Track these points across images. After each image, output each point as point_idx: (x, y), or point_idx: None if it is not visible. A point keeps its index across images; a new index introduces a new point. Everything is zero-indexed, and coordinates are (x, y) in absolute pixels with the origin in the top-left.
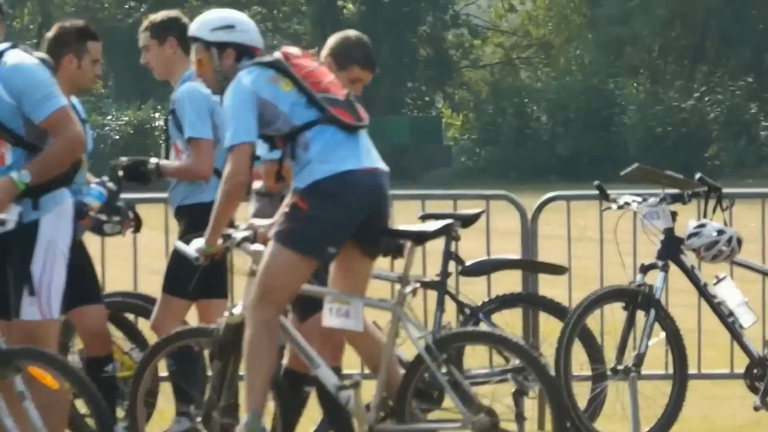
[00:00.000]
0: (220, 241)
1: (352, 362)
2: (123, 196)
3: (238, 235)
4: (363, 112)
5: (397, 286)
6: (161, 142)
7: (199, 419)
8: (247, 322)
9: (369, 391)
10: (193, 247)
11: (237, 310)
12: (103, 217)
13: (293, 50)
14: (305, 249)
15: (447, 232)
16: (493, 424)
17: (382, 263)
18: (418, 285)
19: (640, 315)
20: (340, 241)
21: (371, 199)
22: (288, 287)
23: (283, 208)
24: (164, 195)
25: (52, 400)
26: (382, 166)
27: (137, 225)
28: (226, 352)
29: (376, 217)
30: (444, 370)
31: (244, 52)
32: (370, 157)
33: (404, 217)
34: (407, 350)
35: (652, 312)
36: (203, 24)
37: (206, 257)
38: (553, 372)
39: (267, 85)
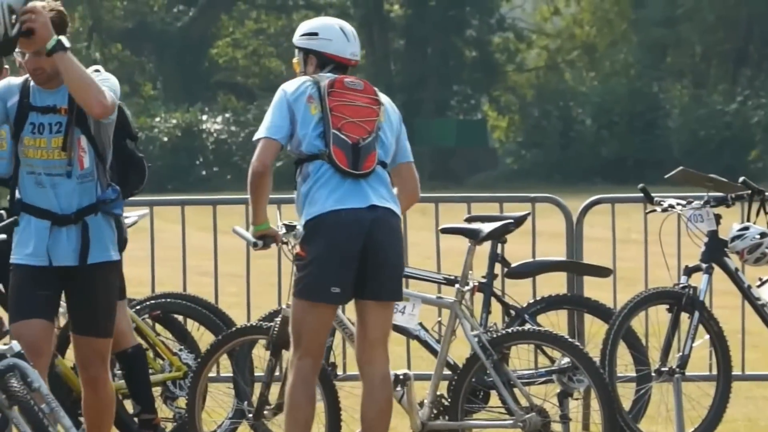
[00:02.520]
0: (282, 231)
1: (401, 362)
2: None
3: (301, 227)
4: (370, 160)
5: (446, 288)
6: (209, 144)
7: (250, 416)
8: (288, 371)
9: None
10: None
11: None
12: None
13: (348, 80)
14: (311, 296)
15: (507, 232)
16: (544, 424)
17: (427, 264)
18: (476, 284)
19: (684, 317)
20: (341, 279)
21: (360, 232)
22: (312, 332)
23: None
24: (213, 196)
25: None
26: (384, 203)
27: None
28: (278, 348)
29: (375, 252)
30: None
31: (326, 61)
32: (365, 198)
33: (450, 219)
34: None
35: (696, 314)
36: (299, 28)
37: (263, 242)
38: None
39: (303, 102)
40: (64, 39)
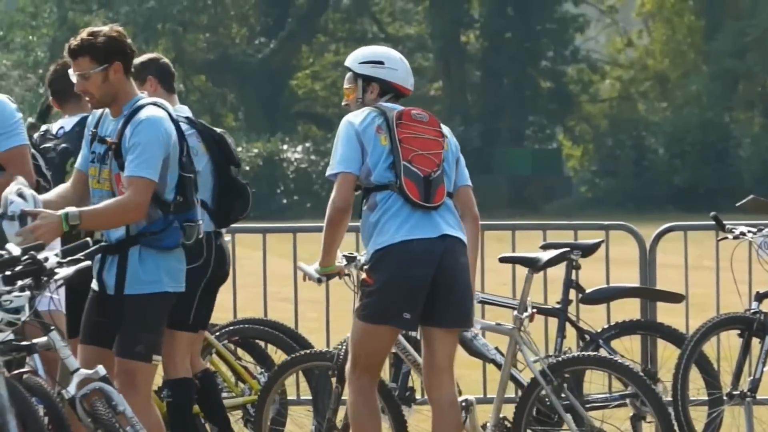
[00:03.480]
0: (342, 263)
1: (477, 386)
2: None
3: (362, 258)
4: (440, 193)
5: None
6: (289, 173)
7: None
8: (348, 388)
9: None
10: (314, 268)
11: None
12: None
13: (415, 113)
14: (378, 321)
15: (564, 260)
16: None
17: (503, 290)
18: (534, 311)
19: (755, 341)
20: (411, 306)
21: (432, 261)
22: (373, 355)
23: None
24: (293, 224)
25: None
26: (454, 232)
27: None
28: (343, 375)
29: (445, 280)
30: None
31: (388, 90)
32: (436, 228)
33: (526, 246)
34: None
35: (767, 339)
36: (355, 56)
37: (326, 277)
38: (669, 397)
39: (372, 132)
40: (70, 212)
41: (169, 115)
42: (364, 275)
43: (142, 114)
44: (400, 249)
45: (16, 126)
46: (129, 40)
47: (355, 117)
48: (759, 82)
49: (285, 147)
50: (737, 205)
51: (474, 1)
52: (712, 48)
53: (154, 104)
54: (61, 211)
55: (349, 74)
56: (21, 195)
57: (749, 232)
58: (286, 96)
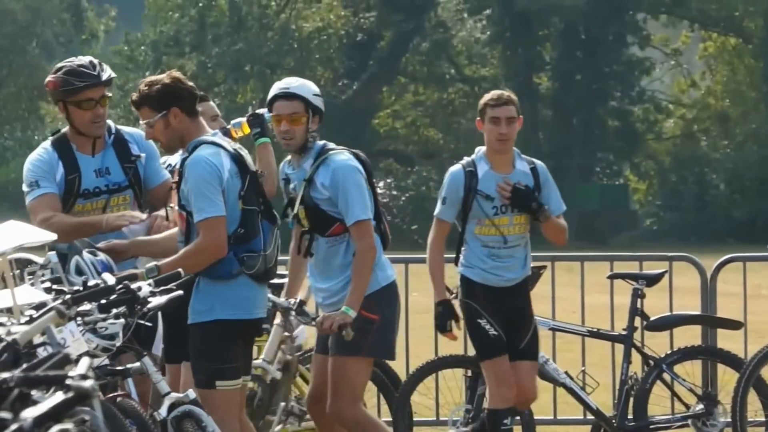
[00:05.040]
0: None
1: (548, 408)
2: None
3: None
4: None
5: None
6: None
7: None
8: (347, 425)
9: None
10: None
11: None
12: None
13: None
14: (382, 354)
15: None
16: None
17: (572, 318)
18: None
19: None
20: None
21: None
22: (365, 383)
23: None
24: (405, 255)
25: None
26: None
27: None
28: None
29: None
30: None
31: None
32: None
33: (594, 276)
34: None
35: None
36: (306, 88)
37: None
38: (729, 418)
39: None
40: (147, 267)
41: (224, 148)
42: (363, 311)
43: (191, 156)
44: (394, 285)
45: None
46: (188, 84)
47: (354, 162)
48: None
49: None
50: None
51: (547, 44)
52: None
53: (206, 142)
54: (148, 265)
55: (295, 102)
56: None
57: None
58: (368, 135)
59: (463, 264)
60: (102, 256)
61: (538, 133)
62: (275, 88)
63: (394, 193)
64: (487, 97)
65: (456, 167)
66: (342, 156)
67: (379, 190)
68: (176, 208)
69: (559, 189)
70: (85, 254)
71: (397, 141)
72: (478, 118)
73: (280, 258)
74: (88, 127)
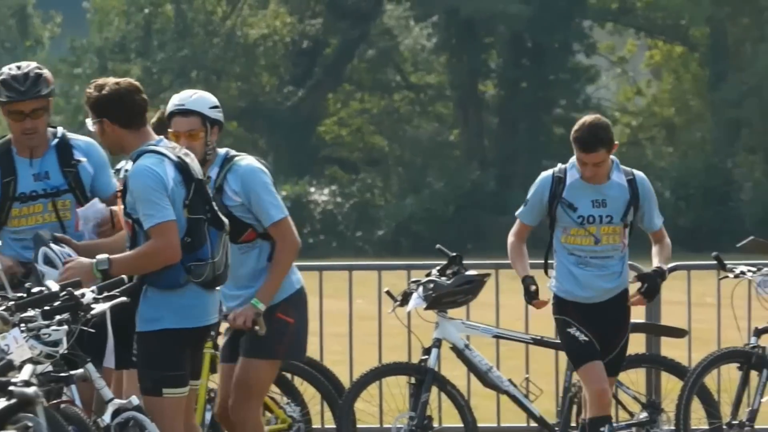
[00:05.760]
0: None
1: (492, 415)
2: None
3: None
4: None
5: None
6: (316, 214)
7: None
8: (242, 424)
9: None
10: None
11: None
12: None
13: None
14: (295, 356)
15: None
16: None
17: (516, 325)
18: None
19: (753, 374)
20: None
21: None
22: (270, 385)
23: None
24: (319, 263)
25: None
26: None
27: None
28: None
29: None
30: None
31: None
32: None
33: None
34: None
35: (765, 371)
36: (201, 101)
37: None
38: (673, 426)
39: None
40: (99, 259)
41: (168, 157)
42: (277, 314)
43: (134, 166)
44: (304, 289)
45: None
46: (135, 96)
47: (259, 164)
48: (760, 130)
49: (312, 189)
50: (738, 246)
51: (492, 52)
52: (716, 97)
53: (149, 151)
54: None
55: (192, 118)
56: (48, 256)
57: (749, 271)
58: (313, 141)
59: (554, 277)
60: (67, 247)
61: (483, 141)
62: (171, 104)
63: (339, 200)
64: (578, 129)
65: (547, 171)
66: (246, 161)
67: (323, 198)
68: (122, 215)
69: (505, 197)
70: (53, 245)
71: (342, 148)
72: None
73: None
74: (19, 138)
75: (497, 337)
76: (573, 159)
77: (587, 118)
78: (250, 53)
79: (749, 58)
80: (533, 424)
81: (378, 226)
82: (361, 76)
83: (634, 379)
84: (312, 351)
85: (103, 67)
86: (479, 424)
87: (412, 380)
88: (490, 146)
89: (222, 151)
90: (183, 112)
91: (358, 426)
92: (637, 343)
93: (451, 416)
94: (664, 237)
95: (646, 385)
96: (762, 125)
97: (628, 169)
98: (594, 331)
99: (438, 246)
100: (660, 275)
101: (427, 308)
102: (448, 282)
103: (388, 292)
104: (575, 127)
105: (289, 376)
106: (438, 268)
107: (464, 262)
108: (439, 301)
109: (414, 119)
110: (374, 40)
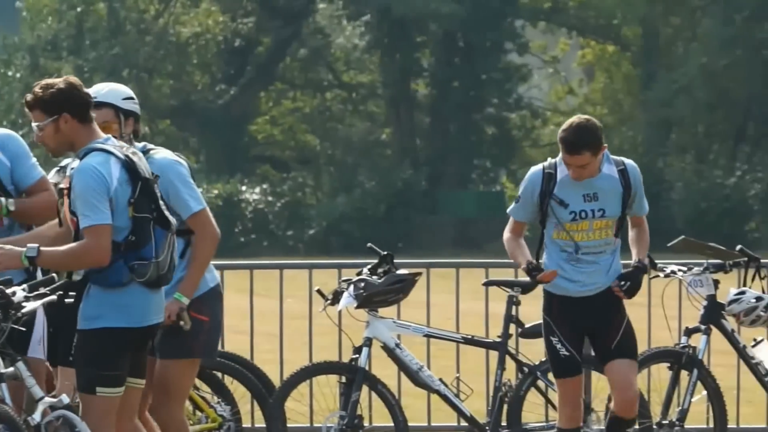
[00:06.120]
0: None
1: (422, 415)
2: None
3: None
4: None
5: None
6: (247, 213)
7: None
8: (164, 426)
9: None
10: None
11: None
12: None
13: None
14: (210, 354)
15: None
16: None
17: (447, 324)
18: None
19: (684, 374)
20: None
21: None
22: (192, 384)
23: None
24: (250, 261)
25: None
26: None
27: None
28: None
29: None
30: None
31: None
32: None
33: (469, 283)
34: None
35: (695, 371)
36: (114, 93)
37: None
38: (602, 426)
39: None
40: (29, 247)
41: (115, 155)
42: (192, 312)
43: (79, 164)
44: (219, 287)
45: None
46: (83, 91)
47: (175, 157)
48: (691, 129)
49: (244, 188)
50: (669, 245)
51: (425, 51)
52: (647, 96)
53: (96, 149)
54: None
55: (105, 110)
56: None
57: (679, 270)
58: (245, 140)
59: None
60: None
61: (415, 140)
62: None
63: (270, 199)
64: (564, 131)
65: (536, 167)
66: (162, 154)
67: (255, 196)
68: (68, 212)
69: (436, 196)
70: None
71: (273, 147)
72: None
73: None
74: None
75: (428, 336)
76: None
77: (575, 118)
78: (182, 52)
79: (680, 57)
80: (464, 423)
81: (309, 225)
82: (293, 75)
83: None
84: (243, 350)
85: (34, 65)
86: (410, 424)
87: (343, 379)
88: (421, 145)
89: (139, 144)
90: (96, 105)
91: (289, 425)
92: None
93: (382, 416)
94: (643, 222)
95: None
96: (693, 125)
97: (618, 158)
98: (587, 325)
99: (369, 245)
100: (642, 270)
101: (357, 307)
102: (379, 281)
103: (319, 291)
104: (563, 126)
105: (219, 375)
106: (369, 267)
107: (395, 260)
108: (370, 300)
109: (346, 118)
110: (306, 38)
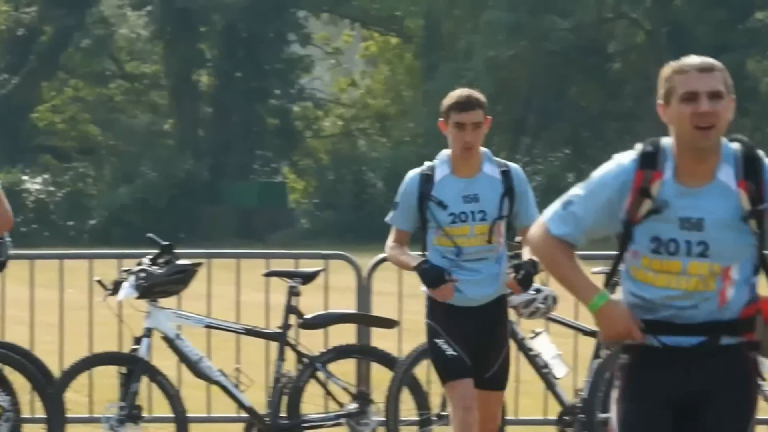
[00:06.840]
0: None
1: (202, 405)
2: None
3: None
4: None
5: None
6: (29, 203)
7: None
8: None
9: None
10: None
11: None
12: None
13: None
14: None
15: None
16: None
17: (228, 315)
18: None
19: None
20: None
21: None
22: None
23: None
24: (31, 251)
25: None
26: None
27: None
28: None
29: None
30: None
31: None
32: None
33: (250, 274)
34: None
35: None
36: None
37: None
38: (383, 417)
39: None
40: None
41: None
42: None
43: None
44: None
45: None
46: None
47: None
48: None
49: (25, 178)
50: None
51: (207, 42)
52: (429, 88)
53: None
54: None
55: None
56: None
57: None
58: (27, 129)
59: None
60: None
61: (197, 131)
62: None
63: (51, 189)
64: (452, 97)
65: (413, 171)
66: None
67: (36, 186)
68: None
69: (218, 187)
70: None
71: (55, 136)
72: (441, 119)
73: None
74: None
75: (209, 327)
76: (442, 153)
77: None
78: None
79: (463, 50)
80: (244, 414)
81: (90, 216)
82: (76, 65)
83: (344, 369)
84: (23, 340)
85: None
86: (189, 415)
87: (123, 370)
88: (204, 136)
89: None
90: None
91: (68, 416)
92: (348, 334)
93: (162, 406)
94: None
95: (357, 376)
96: None
97: (501, 160)
98: (468, 339)
99: (149, 235)
100: (534, 266)
101: (138, 297)
102: (160, 271)
103: (99, 282)
104: (447, 97)
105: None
106: (149, 257)
107: (176, 251)
108: (151, 290)
109: (129, 109)
110: (90, 28)
